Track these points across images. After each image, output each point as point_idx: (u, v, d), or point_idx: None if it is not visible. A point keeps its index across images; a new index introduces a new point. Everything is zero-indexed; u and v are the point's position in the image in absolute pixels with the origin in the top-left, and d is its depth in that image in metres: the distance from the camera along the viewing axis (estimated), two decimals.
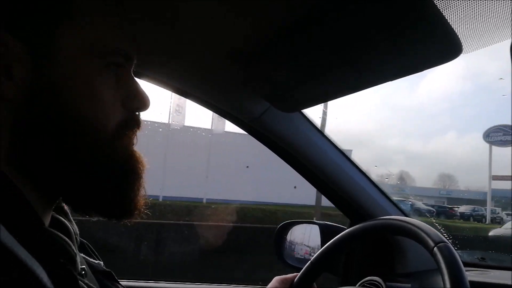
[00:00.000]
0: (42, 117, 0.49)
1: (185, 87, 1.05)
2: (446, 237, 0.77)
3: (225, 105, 1.07)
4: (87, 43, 0.51)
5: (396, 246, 1.18)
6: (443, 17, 0.67)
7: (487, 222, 22.19)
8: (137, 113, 0.58)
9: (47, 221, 0.54)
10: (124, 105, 0.55)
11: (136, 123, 0.57)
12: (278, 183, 16.56)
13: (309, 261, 1.02)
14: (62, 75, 0.49)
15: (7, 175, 0.47)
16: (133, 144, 0.57)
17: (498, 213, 24.80)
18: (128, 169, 0.55)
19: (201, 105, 1.07)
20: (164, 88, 1.03)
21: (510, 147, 24.97)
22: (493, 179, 24.91)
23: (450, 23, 0.68)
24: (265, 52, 0.83)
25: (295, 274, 1.03)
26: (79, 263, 0.55)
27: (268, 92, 0.96)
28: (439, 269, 0.72)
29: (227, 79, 0.97)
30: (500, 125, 24.97)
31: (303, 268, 1.02)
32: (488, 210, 24.00)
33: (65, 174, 0.51)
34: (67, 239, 0.53)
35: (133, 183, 0.55)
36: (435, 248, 0.74)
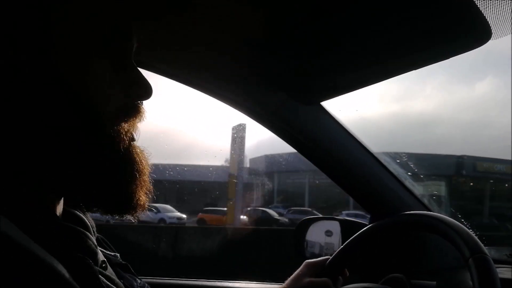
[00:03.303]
0: (40, 103, 0.47)
1: (200, 81, 1.03)
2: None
3: (241, 97, 1.04)
4: (81, 26, 0.49)
5: (420, 241, 1.14)
6: (472, 1, 0.64)
7: None
8: (138, 102, 0.56)
9: (59, 214, 0.53)
10: (124, 91, 0.53)
11: (136, 111, 0.55)
12: None
13: (341, 247, 0.99)
14: (55, 58, 0.48)
15: (13, 171, 0.46)
16: (133, 135, 0.54)
17: None
18: (127, 160, 0.53)
19: (217, 98, 1.05)
20: (179, 82, 1.01)
21: None
22: None
23: (479, 7, 0.65)
24: (284, 41, 0.81)
25: (325, 258, 1.00)
26: (99, 256, 0.55)
27: (287, 83, 0.94)
28: (472, 282, 0.67)
29: (244, 70, 0.95)
30: None
31: (335, 253, 0.99)
32: None
33: (65, 161, 0.49)
34: (86, 232, 0.53)
35: (133, 175, 0.53)
36: (471, 259, 0.69)
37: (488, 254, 0.70)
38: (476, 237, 0.73)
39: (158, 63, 0.96)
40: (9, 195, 0.44)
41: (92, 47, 0.50)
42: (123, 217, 0.55)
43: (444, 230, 0.77)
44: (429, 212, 0.91)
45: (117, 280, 0.56)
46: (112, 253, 0.67)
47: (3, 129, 0.47)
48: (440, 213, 0.90)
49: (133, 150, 0.54)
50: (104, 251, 0.65)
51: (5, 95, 0.46)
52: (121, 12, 0.54)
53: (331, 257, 0.99)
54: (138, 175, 0.53)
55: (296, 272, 0.98)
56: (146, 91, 0.56)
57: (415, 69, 0.78)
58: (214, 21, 0.78)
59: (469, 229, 0.79)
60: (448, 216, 0.84)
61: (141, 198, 0.54)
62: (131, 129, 0.54)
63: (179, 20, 0.78)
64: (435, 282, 1.02)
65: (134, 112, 0.55)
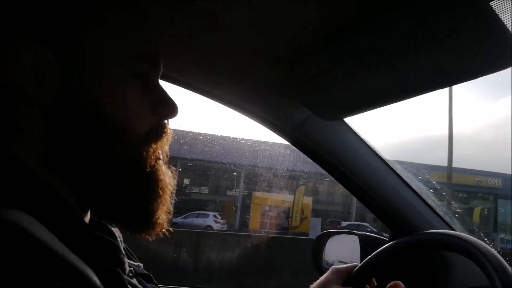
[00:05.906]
0: (70, 121, 0.50)
1: (224, 94, 1.04)
2: None
3: (265, 113, 1.06)
4: (114, 50, 0.52)
5: (440, 260, 1.13)
6: (500, 20, 0.63)
7: None
8: (165, 121, 0.58)
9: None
10: (152, 111, 0.55)
11: (163, 130, 0.57)
12: None
13: (369, 257, 0.97)
14: (90, 81, 0.50)
15: (48, 181, 0.48)
16: (159, 155, 0.56)
17: None
18: (152, 178, 0.54)
19: (241, 112, 1.06)
20: (203, 95, 1.03)
21: None
22: None
23: (508, 27, 0.64)
24: (307, 58, 0.82)
25: (353, 264, 0.98)
26: (127, 265, 0.56)
27: (309, 99, 0.94)
28: None
29: (268, 85, 0.96)
30: None
31: (363, 261, 0.97)
32: None
33: (93, 177, 0.51)
34: (115, 242, 0.54)
35: (156, 194, 0.54)
36: None
37: None
38: (506, 264, 0.71)
39: (180, 76, 0.97)
40: (47, 206, 0.46)
41: (125, 74, 0.53)
42: (142, 234, 0.56)
43: (476, 255, 0.75)
44: (461, 234, 0.89)
45: None
46: (136, 263, 0.68)
47: (45, 141, 0.50)
48: (463, 232, 0.89)
49: (159, 169, 0.56)
50: (128, 261, 0.66)
51: (47, 117, 0.49)
52: (152, 40, 0.57)
53: (359, 265, 0.98)
54: (161, 194, 0.55)
55: (322, 278, 0.95)
56: (173, 110, 0.58)
57: (435, 90, 0.77)
58: (240, 38, 0.79)
59: (489, 245, 0.78)
60: (471, 235, 0.82)
61: (161, 217, 0.55)
62: (159, 149, 0.56)
63: (205, 37, 0.79)
64: None
65: (162, 132, 0.57)
